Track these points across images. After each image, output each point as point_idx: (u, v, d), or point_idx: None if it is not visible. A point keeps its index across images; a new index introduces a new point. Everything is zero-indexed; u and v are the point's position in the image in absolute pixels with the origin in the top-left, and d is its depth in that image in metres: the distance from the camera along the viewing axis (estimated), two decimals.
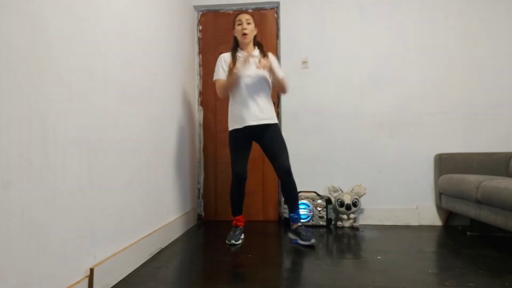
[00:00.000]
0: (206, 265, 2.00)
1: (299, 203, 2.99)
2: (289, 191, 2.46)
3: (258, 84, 2.43)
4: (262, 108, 2.42)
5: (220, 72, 2.48)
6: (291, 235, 2.49)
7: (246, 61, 2.40)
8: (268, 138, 2.44)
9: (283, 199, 3.14)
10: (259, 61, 2.28)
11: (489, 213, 2.22)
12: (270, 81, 2.49)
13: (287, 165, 2.42)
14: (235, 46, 2.56)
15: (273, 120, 2.47)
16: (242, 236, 2.56)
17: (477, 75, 3.08)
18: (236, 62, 2.43)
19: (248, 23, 2.46)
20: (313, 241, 2.33)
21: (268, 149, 2.46)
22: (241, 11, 2.53)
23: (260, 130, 2.45)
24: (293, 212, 2.48)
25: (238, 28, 2.48)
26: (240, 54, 2.50)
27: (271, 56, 2.49)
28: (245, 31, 2.44)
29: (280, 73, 2.46)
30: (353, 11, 3.21)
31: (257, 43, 2.57)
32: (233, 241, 2.42)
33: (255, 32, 2.53)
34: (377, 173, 3.14)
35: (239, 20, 2.47)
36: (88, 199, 1.53)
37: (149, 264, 2.02)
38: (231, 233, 2.51)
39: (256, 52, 2.53)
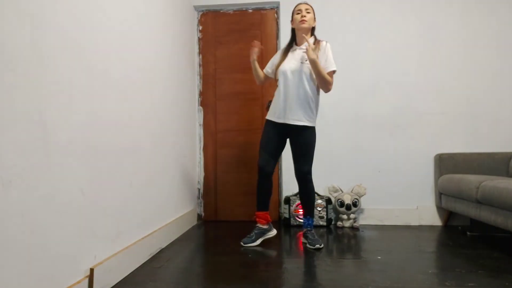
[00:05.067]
0: (206, 265, 2.00)
1: (300, 202, 2.99)
2: (304, 196, 2.43)
3: (297, 80, 2.34)
4: (292, 107, 2.34)
5: (268, 64, 2.60)
6: (304, 240, 2.46)
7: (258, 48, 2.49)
8: (296, 139, 2.40)
9: (283, 199, 3.14)
10: (307, 48, 2.23)
11: (489, 213, 2.22)
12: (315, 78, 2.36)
13: (305, 170, 2.37)
14: (291, 41, 2.50)
15: (303, 122, 2.34)
16: (269, 235, 2.47)
17: (477, 75, 3.08)
18: (285, 57, 2.44)
19: (308, 12, 2.39)
20: (317, 246, 2.29)
21: (293, 150, 2.44)
22: (299, 2, 2.46)
23: (289, 129, 2.39)
24: (304, 216, 2.47)
25: (297, 17, 2.39)
26: (291, 50, 2.45)
27: (324, 46, 2.37)
28: (304, 18, 2.35)
29: (330, 66, 2.33)
30: (353, 11, 3.21)
31: (315, 37, 2.47)
32: (241, 243, 2.40)
33: (314, 23, 2.43)
34: (377, 173, 3.14)
35: (299, 9, 2.40)
36: (88, 199, 1.53)
37: (149, 264, 2.02)
38: (249, 233, 2.45)
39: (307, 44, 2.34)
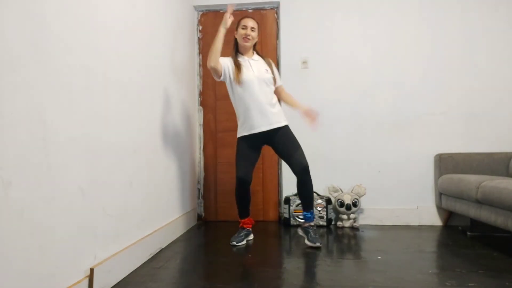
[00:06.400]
0: (206, 265, 2.00)
1: (300, 202, 2.99)
2: (305, 190, 2.42)
3: (263, 87, 2.40)
4: (270, 111, 2.39)
5: (224, 63, 2.39)
6: (300, 232, 2.50)
7: (230, 13, 2.32)
8: (279, 139, 2.42)
9: (283, 199, 3.14)
10: (308, 114, 2.45)
11: (489, 213, 2.22)
12: (273, 81, 2.48)
13: (304, 163, 2.38)
14: (236, 51, 2.50)
15: (282, 123, 2.44)
16: (250, 237, 2.56)
17: (477, 75, 3.08)
18: (240, 67, 2.39)
19: (253, 31, 2.43)
20: (318, 244, 2.30)
21: (281, 149, 2.43)
22: (247, 16, 2.50)
23: (270, 134, 2.42)
24: (307, 211, 2.44)
25: (241, 31, 2.43)
26: (241, 60, 2.44)
27: (271, 62, 2.57)
28: (248, 37, 2.42)
29: (280, 81, 2.59)
30: (353, 11, 3.21)
31: (256, 51, 2.56)
32: (234, 242, 2.42)
33: (256, 40, 2.50)
34: (377, 173, 3.14)
35: (244, 25, 2.42)
36: (88, 199, 1.53)
37: (149, 264, 2.02)
38: (236, 234, 2.51)
39: (256, 56, 2.52)
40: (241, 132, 2.45)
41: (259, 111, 2.37)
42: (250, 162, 2.45)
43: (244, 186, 2.45)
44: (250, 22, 2.44)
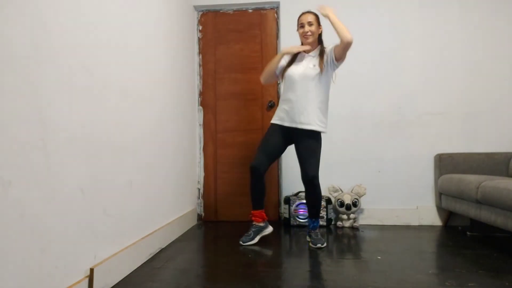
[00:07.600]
0: (206, 265, 2.00)
1: (299, 202, 3.00)
2: (309, 198, 2.44)
3: (305, 85, 2.35)
4: (302, 111, 2.34)
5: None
6: (307, 237, 2.51)
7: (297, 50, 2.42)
8: (301, 143, 2.39)
9: (283, 199, 3.14)
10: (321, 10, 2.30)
11: (489, 213, 2.22)
12: (324, 81, 2.38)
13: (311, 174, 2.36)
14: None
15: (311, 126, 2.34)
16: (265, 232, 2.50)
17: (477, 75, 3.08)
18: (292, 63, 2.45)
19: (310, 25, 2.40)
20: (319, 245, 2.31)
21: (298, 154, 2.42)
22: (303, 12, 2.46)
23: (295, 133, 2.40)
24: (310, 217, 2.47)
25: (300, 30, 2.44)
26: (300, 56, 2.46)
27: (330, 48, 2.41)
28: (307, 34, 2.40)
29: (330, 49, 2.40)
30: (353, 11, 3.21)
31: (321, 41, 2.49)
32: (240, 242, 2.42)
33: (319, 31, 2.46)
34: (377, 173, 3.14)
35: (301, 23, 2.42)
36: (88, 199, 1.53)
37: (149, 264, 2.02)
38: (246, 232, 2.49)
39: (315, 52, 2.44)
40: (273, 118, 2.51)
41: (291, 107, 2.38)
42: (269, 153, 2.42)
43: (254, 175, 2.41)
44: (306, 17, 2.41)
